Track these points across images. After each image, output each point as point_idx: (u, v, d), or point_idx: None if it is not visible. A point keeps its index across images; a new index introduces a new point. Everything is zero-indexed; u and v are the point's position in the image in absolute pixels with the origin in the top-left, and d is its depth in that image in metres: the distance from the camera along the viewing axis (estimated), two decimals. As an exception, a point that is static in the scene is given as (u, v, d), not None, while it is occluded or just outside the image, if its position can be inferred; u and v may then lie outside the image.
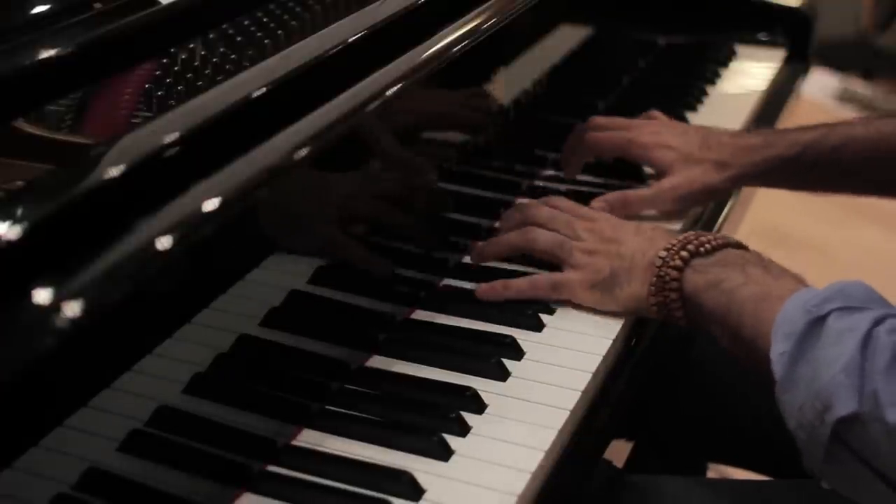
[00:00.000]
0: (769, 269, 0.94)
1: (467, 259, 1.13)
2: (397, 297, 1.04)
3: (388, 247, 1.07)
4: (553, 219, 1.07)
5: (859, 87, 3.73)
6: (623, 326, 1.02)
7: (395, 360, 0.97)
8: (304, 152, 0.87)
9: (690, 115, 1.48)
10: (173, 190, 0.76)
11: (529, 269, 1.07)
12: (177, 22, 0.98)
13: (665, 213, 1.21)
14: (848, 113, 3.61)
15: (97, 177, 0.75)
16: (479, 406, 0.91)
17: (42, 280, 0.67)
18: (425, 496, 0.82)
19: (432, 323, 1.03)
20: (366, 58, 0.98)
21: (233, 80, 0.91)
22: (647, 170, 1.27)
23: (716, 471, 1.68)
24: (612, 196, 1.18)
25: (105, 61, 0.90)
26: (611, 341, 1.00)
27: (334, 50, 0.97)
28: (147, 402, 0.79)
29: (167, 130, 0.81)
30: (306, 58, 0.95)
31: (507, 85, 1.25)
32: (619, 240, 1.02)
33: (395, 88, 0.97)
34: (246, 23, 1.03)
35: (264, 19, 1.04)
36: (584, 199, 1.22)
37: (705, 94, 1.55)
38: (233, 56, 0.97)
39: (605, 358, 0.98)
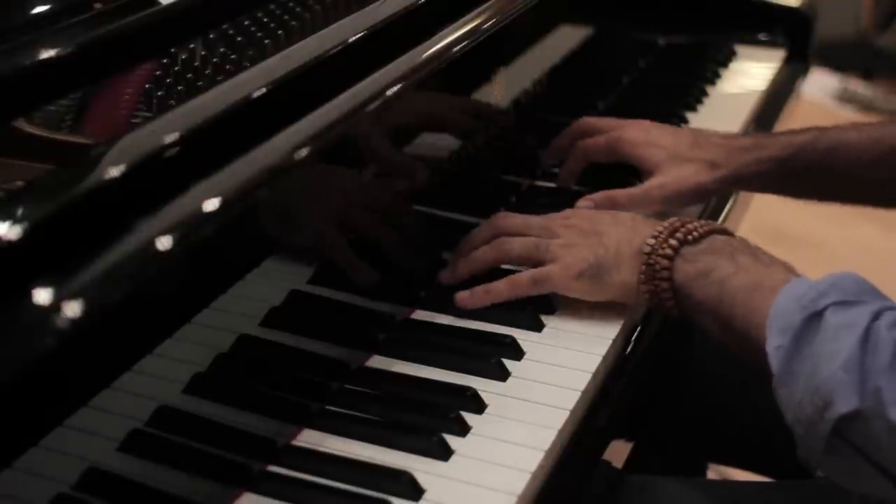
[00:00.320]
0: (758, 256, 0.93)
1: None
2: (397, 297, 1.04)
3: (387, 247, 1.07)
4: (527, 225, 1.05)
5: (859, 87, 3.73)
6: (623, 326, 1.02)
7: (395, 360, 0.97)
8: (304, 152, 0.87)
9: (690, 115, 1.48)
10: (173, 190, 0.76)
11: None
12: (177, 22, 0.98)
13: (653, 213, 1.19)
14: (848, 113, 3.61)
15: (97, 177, 0.75)
16: (479, 406, 0.91)
17: (42, 280, 0.67)
18: (425, 496, 0.82)
19: (432, 323, 1.03)
20: (366, 58, 0.98)
21: (233, 80, 0.91)
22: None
23: (716, 471, 1.68)
24: (599, 195, 1.16)
25: (105, 61, 0.90)
26: (611, 341, 1.00)
27: (334, 50, 0.97)
28: (147, 402, 0.79)
29: (167, 130, 0.81)
30: (306, 58, 0.95)
31: (507, 85, 1.25)
32: (598, 231, 1.01)
33: (395, 88, 0.97)
34: (246, 23, 1.03)
35: (264, 19, 1.04)
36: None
37: (705, 94, 1.55)
38: (233, 56, 0.97)
39: (605, 358, 0.98)
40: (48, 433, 0.70)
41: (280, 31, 1.02)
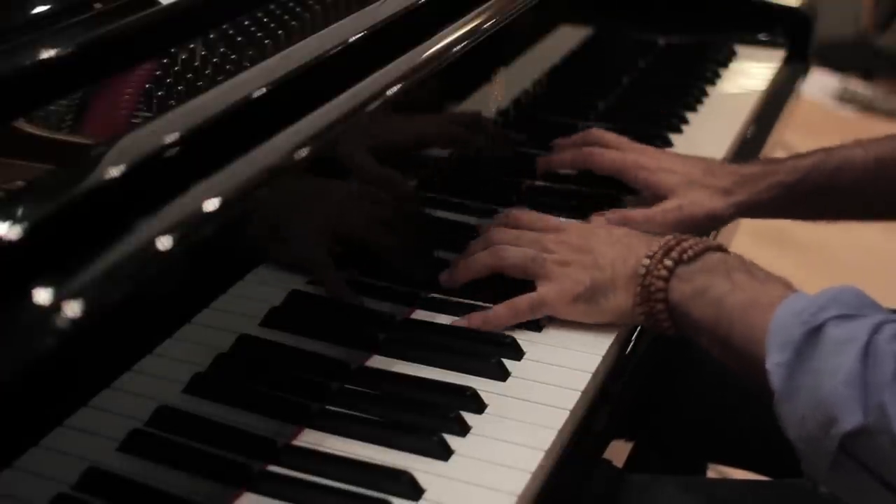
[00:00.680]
0: (754, 273, 0.93)
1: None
2: (397, 297, 1.04)
3: (386, 248, 1.07)
4: (519, 237, 1.04)
5: (859, 87, 3.73)
6: (623, 327, 1.02)
7: (395, 360, 0.97)
8: (304, 152, 0.87)
9: (690, 115, 1.48)
10: (173, 190, 0.76)
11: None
12: (177, 22, 0.98)
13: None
14: (848, 113, 3.62)
15: (97, 177, 0.75)
16: (478, 406, 0.91)
17: (42, 280, 0.67)
18: (425, 496, 0.82)
19: (432, 323, 1.03)
20: (366, 58, 0.98)
21: (233, 81, 0.91)
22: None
23: (716, 471, 1.68)
24: (613, 214, 1.15)
25: (105, 61, 0.90)
26: (611, 341, 1.00)
27: (334, 50, 0.97)
28: (147, 402, 0.79)
29: (167, 130, 0.81)
30: (306, 58, 0.95)
31: (507, 85, 1.25)
32: (592, 249, 1.00)
33: (395, 88, 0.97)
34: (246, 23, 1.03)
35: (264, 19, 1.04)
36: (581, 202, 1.23)
37: (705, 94, 1.55)
38: (233, 56, 0.97)
39: (604, 358, 0.98)
40: (48, 433, 0.70)
41: (280, 31, 1.02)
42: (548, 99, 1.38)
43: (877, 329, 0.81)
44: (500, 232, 1.06)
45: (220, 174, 0.80)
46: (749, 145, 1.46)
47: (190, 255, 0.77)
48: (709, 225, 1.20)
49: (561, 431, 0.89)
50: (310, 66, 0.94)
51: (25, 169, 0.79)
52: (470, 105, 1.20)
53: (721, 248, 0.97)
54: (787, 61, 1.66)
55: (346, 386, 0.94)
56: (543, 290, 1.00)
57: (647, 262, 0.96)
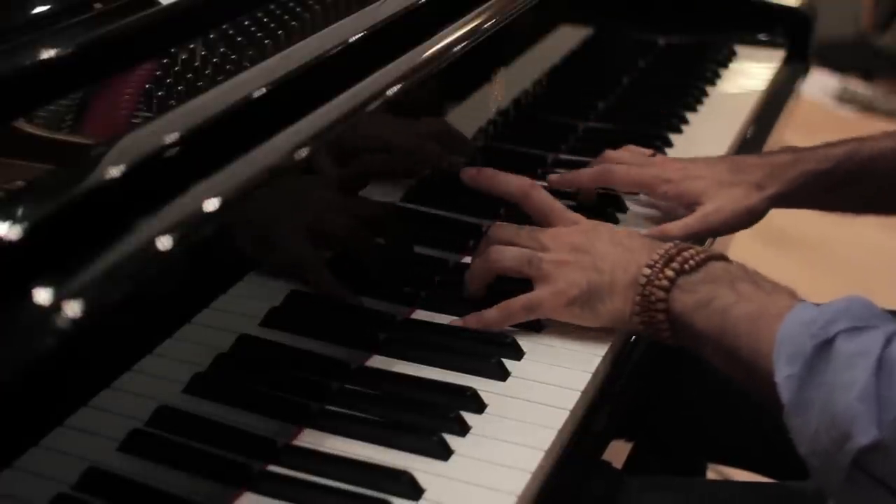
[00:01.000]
0: (759, 284, 0.91)
1: (467, 260, 1.13)
2: (397, 297, 1.04)
3: (386, 248, 1.07)
4: (516, 234, 1.02)
5: (859, 87, 3.73)
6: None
7: (395, 360, 0.97)
8: (304, 152, 0.87)
9: (690, 116, 1.48)
10: (173, 190, 0.76)
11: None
12: (177, 22, 0.98)
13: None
14: (848, 113, 3.62)
15: (97, 177, 0.75)
16: (478, 406, 0.91)
17: (42, 280, 0.67)
18: (425, 496, 0.82)
19: (432, 323, 1.03)
20: (366, 58, 0.98)
21: (233, 81, 0.91)
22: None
23: (716, 471, 1.68)
24: (653, 231, 1.13)
25: (105, 61, 0.90)
26: (611, 341, 1.00)
27: (334, 50, 0.97)
28: (147, 402, 0.79)
29: (167, 130, 0.81)
30: (306, 58, 0.95)
31: (507, 85, 1.25)
32: (592, 250, 0.98)
33: (395, 88, 0.97)
34: (246, 23, 1.03)
35: (264, 19, 1.04)
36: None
37: (705, 94, 1.55)
38: (233, 56, 0.97)
39: (604, 358, 0.98)
40: (48, 433, 0.70)
41: (280, 31, 1.02)
42: (548, 99, 1.38)
43: (889, 341, 0.79)
44: (498, 229, 1.05)
45: (220, 174, 0.80)
46: (749, 145, 1.46)
47: (190, 255, 0.77)
48: (748, 222, 1.18)
49: (561, 431, 0.89)
50: (310, 66, 0.94)
51: (25, 169, 0.79)
52: (470, 105, 1.20)
53: (723, 258, 0.95)
54: (787, 61, 1.66)
55: (346, 386, 0.94)
56: (539, 291, 0.98)
57: (647, 271, 0.94)
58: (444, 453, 0.86)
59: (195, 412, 0.83)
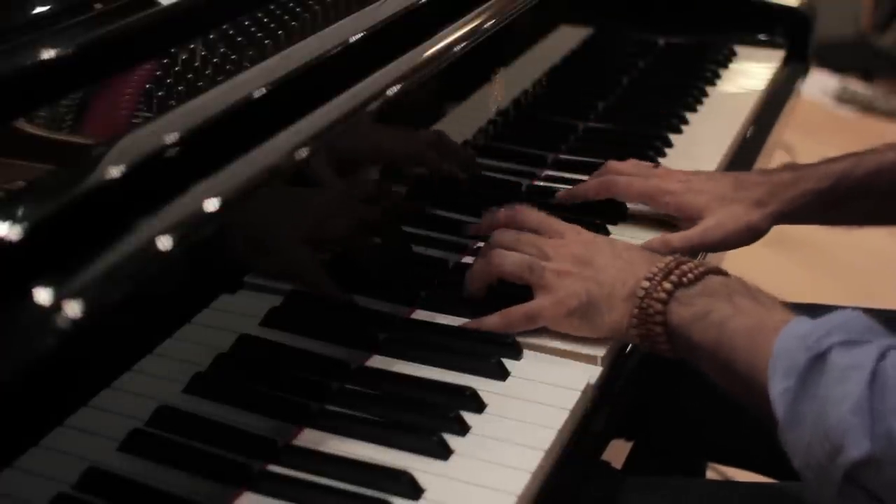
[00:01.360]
0: (757, 298, 0.91)
1: (467, 259, 1.13)
2: (397, 297, 1.04)
3: (387, 248, 1.07)
4: (518, 241, 1.03)
5: (859, 87, 3.73)
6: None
7: (395, 360, 0.97)
8: (304, 152, 0.87)
9: (690, 116, 1.48)
10: (173, 190, 0.76)
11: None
12: (177, 22, 0.98)
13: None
14: (847, 113, 3.62)
15: (97, 177, 0.75)
16: (478, 406, 0.91)
17: (42, 280, 0.67)
18: (425, 495, 0.82)
19: (432, 323, 1.03)
20: (366, 58, 0.98)
21: (233, 81, 0.91)
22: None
23: (716, 471, 1.68)
24: (654, 242, 1.13)
25: (105, 61, 0.90)
26: (610, 341, 0.99)
27: (334, 50, 0.97)
28: (147, 402, 0.79)
29: (167, 130, 0.81)
30: (306, 58, 0.95)
31: (507, 85, 1.25)
32: (593, 262, 0.99)
33: (395, 88, 0.97)
34: (246, 23, 1.03)
35: (264, 19, 1.05)
36: (581, 205, 1.23)
37: (705, 94, 1.55)
38: (233, 56, 0.97)
39: (604, 358, 0.98)
40: (48, 433, 0.70)
41: (280, 32, 1.02)
42: (548, 99, 1.38)
43: (883, 355, 0.79)
44: (500, 234, 1.05)
45: (220, 174, 0.80)
46: (749, 145, 1.46)
47: (190, 255, 0.77)
48: (748, 239, 1.17)
49: (560, 431, 0.89)
50: (310, 66, 0.94)
51: (25, 169, 0.79)
52: (470, 105, 1.20)
53: (721, 272, 0.95)
54: (787, 61, 1.66)
55: (346, 386, 0.94)
56: (539, 301, 0.99)
57: (646, 284, 0.94)
58: (444, 453, 0.86)
59: (195, 412, 0.83)
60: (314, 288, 0.96)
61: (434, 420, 0.89)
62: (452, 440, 0.87)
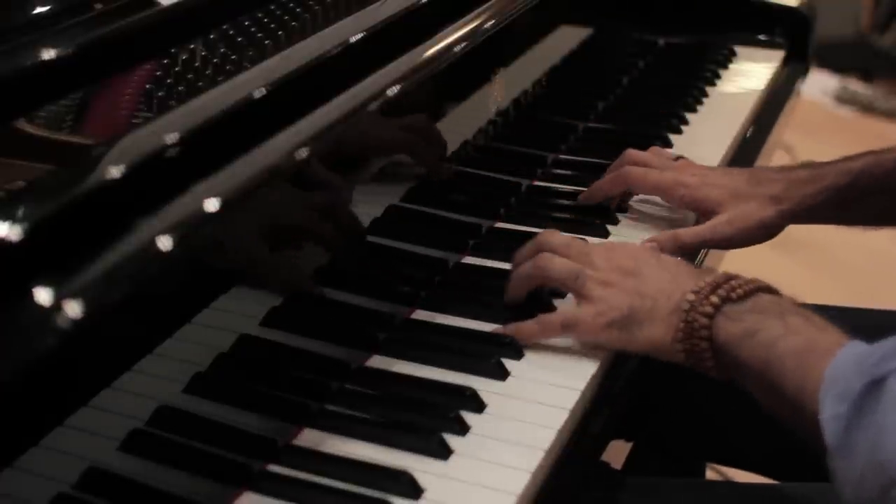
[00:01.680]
0: (810, 318, 0.87)
1: (467, 260, 1.13)
2: (397, 297, 1.04)
3: (388, 248, 1.07)
4: (567, 245, 1.00)
5: (859, 87, 3.73)
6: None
7: (395, 360, 0.97)
8: (304, 152, 0.87)
9: (690, 116, 1.48)
10: (173, 190, 0.76)
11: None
12: (177, 22, 0.98)
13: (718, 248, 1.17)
14: (847, 113, 3.62)
15: (97, 177, 0.75)
16: (478, 405, 0.91)
17: (42, 280, 0.67)
18: (425, 495, 0.82)
19: (432, 323, 1.03)
20: (366, 58, 0.98)
21: (233, 81, 0.91)
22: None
23: (716, 472, 1.68)
24: (664, 236, 1.12)
25: (105, 61, 0.90)
26: (610, 341, 0.99)
27: (334, 50, 0.97)
28: (147, 402, 0.79)
29: (167, 130, 0.81)
30: (306, 58, 0.95)
31: (507, 85, 1.25)
32: (639, 273, 0.96)
33: (395, 88, 0.98)
34: (246, 23, 1.03)
35: (264, 20, 1.05)
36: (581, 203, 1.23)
37: (705, 94, 1.55)
38: (233, 56, 0.97)
39: (604, 358, 0.98)
40: (48, 433, 0.70)
41: (280, 32, 1.02)
42: (547, 99, 1.38)
43: None
44: (549, 234, 1.03)
45: (220, 174, 0.80)
46: (748, 145, 1.46)
47: (190, 254, 0.77)
48: (761, 236, 1.16)
49: (560, 431, 0.89)
50: (310, 66, 0.94)
51: (25, 169, 0.79)
52: (470, 105, 1.20)
53: (772, 290, 0.91)
54: (787, 62, 1.66)
55: (346, 386, 0.94)
56: (579, 310, 0.97)
57: (692, 297, 0.90)
58: (444, 453, 0.86)
59: (195, 412, 0.83)
60: (313, 287, 0.96)
61: (434, 420, 0.89)
62: (452, 440, 0.87)
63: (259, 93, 0.88)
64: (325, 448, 0.87)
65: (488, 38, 1.13)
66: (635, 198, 1.23)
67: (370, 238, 1.04)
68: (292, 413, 0.90)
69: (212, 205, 0.77)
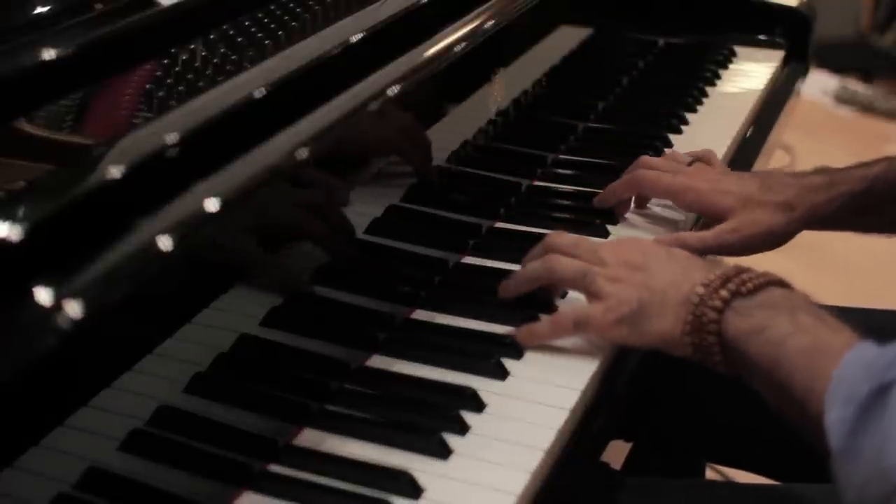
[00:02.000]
0: (821, 316, 0.85)
1: (467, 260, 1.13)
2: (397, 297, 1.04)
3: (389, 248, 1.07)
4: (575, 244, 1.00)
5: (858, 87, 3.73)
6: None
7: (395, 360, 0.97)
8: (304, 152, 0.87)
9: (690, 116, 1.48)
10: (173, 190, 0.77)
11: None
12: (177, 22, 0.98)
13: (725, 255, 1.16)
14: (847, 113, 3.62)
15: (97, 177, 0.75)
16: (478, 405, 0.91)
17: (42, 280, 0.67)
18: (424, 495, 0.82)
19: (432, 323, 1.03)
20: (366, 58, 0.98)
21: (233, 81, 0.91)
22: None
23: (716, 471, 1.68)
24: (669, 238, 1.12)
25: (105, 61, 0.90)
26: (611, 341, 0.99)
27: (334, 50, 0.97)
28: (147, 402, 0.79)
29: (167, 131, 0.81)
30: (306, 58, 0.95)
31: (506, 85, 1.25)
32: (648, 267, 0.95)
33: (395, 88, 0.98)
34: (246, 23, 1.03)
35: (264, 19, 1.05)
36: (583, 203, 1.23)
37: (705, 94, 1.55)
38: (233, 56, 0.97)
39: (605, 357, 0.98)
40: (48, 433, 0.70)
41: (280, 32, 1.02)
42: (547, 99, 1.38)
43: None
44: (558, 234, 1.03)
45: (220, 174, 0.80)
46: (748, 146, 1.46)
47: (190, 254, 0.77)
48: (770, 244, 1.14)
49: (560, 431, 0.89)
50: (310, 66, 0.94)
51: (25, 169, 0.79)
52: (470, 105, 1.20)
53: (784, 284, 0.90)
54: (787, 62, 1.66)
55: (346, 386, 0.94)
56: (590, 307, 0.96)
57: (701, 290, 0.89)
58: (444, 453, 0.86)
59: (195, 412, 0.83)
60: (313, 287, 0.96)
61: (434, 420, 0.89)
62: (452, 440, 0.87)
63: (259, 93, 0.88)
64: (325, 448, 0.87)
65: (488, 38, 1.13)
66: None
67: (370, 238, 1.04)
68: (292, 413, 0.90)
69: (212, 205, 0.77)
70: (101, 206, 0.74)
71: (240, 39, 1.00)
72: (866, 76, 3.81)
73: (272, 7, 1.07)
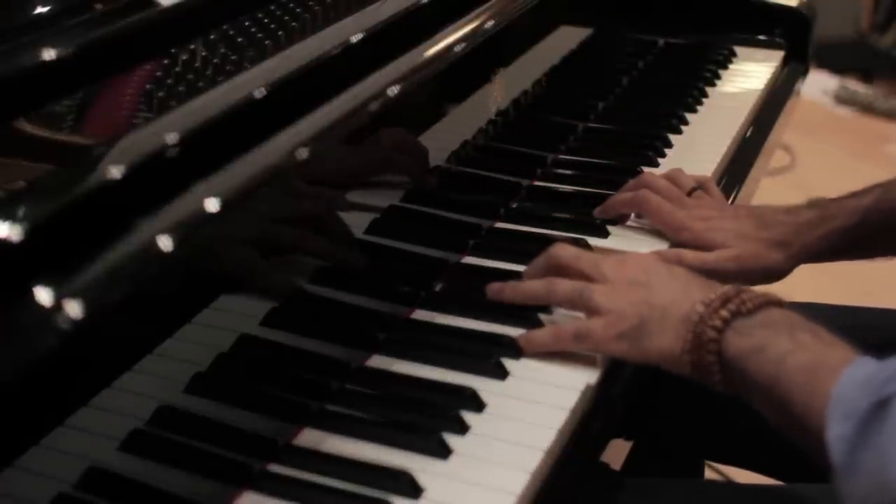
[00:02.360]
0: (819, 334, 0.85)
1: (467, 260, 1.13)
2: (397, 297, 1.04)
3: (389, 248, 1.07)
4: (577, 257, 1.01)
5: (858, 87, 3.73)
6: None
7: (395, 360, 0.97)
8: (304, 152, 0.87)
9: (690, 116, 1.48)
10: (173, 190, 0.77)
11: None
12: (177, 22, 0.98)
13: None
14: (847, 113, 3.62)
15: (97, 177, 0.75)
16: (478, 405, 0.91)
17: (42, 280, 0.67)
18: (424, 495, 0.82)
19: (432, 323, 1.03)
20: (366, 58, 0.98)
21: (233, 81, 0.91)
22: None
23: (716, 471, 1.68)
24: (669, 253, 1.13)
25: (105, 61, 0.90)
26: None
27: (334, 50, 0.97)
28: (148, 402, 0.79)
29: (167, 131, 0.81)
30: (306, 58, 0.95)
31: (506, 85, 1.25)
32: (648, 283, 0.95)
33: (395, 88, 0.98)
34: (246, 23, 1.03)
35: (264, 19, 1.05)
36: (583, 202, 1.23)
37: (705, 94, 1.55)
38: (233, 57, 0.97)
39: (605, 357, 0.98)
40: (48, 433, 0.70)
41: (280, 32, 1.02)
42: (547, 99, 1.38)
43: None
44: (561, 249, 1.03)
45: (220, 174, 0.80)
46: (748, 146, 1.46)
47: (190, 254, 0.77)
48: (765, 279, 1.15)
49: (560, 431, 0.89)
50: (310, 66, 0.94)
51: (25, 169, 0.79)
52: (470, 105, 1.20)
53: (782, 304, 0.90)
54: (787, 62, 1.67)
55: (346, 386, 0.94)
56: (590, 321, 0.97)
57: (701, 309, 0.90)
58: (444, 453, 0.86)
59: (195, 412, 0.83)
60: (313, 287, 0.96)
61: (434, 420, 0.89)
62: (452, 440, 0.87)
63: (259, 93, 0.88)
64: (325, 448, 0.87)
65: (488, 38, 1.13)
66: None
67: (370, 238, 1.04)
68: (292, 413, 0.90)
69: (212, 205, 0.77)
70: (101, 207, 0.74)
71: (240, 39, 1.00)
72: (866, 76, 3.81)
73: (272, 7, 1.07)
